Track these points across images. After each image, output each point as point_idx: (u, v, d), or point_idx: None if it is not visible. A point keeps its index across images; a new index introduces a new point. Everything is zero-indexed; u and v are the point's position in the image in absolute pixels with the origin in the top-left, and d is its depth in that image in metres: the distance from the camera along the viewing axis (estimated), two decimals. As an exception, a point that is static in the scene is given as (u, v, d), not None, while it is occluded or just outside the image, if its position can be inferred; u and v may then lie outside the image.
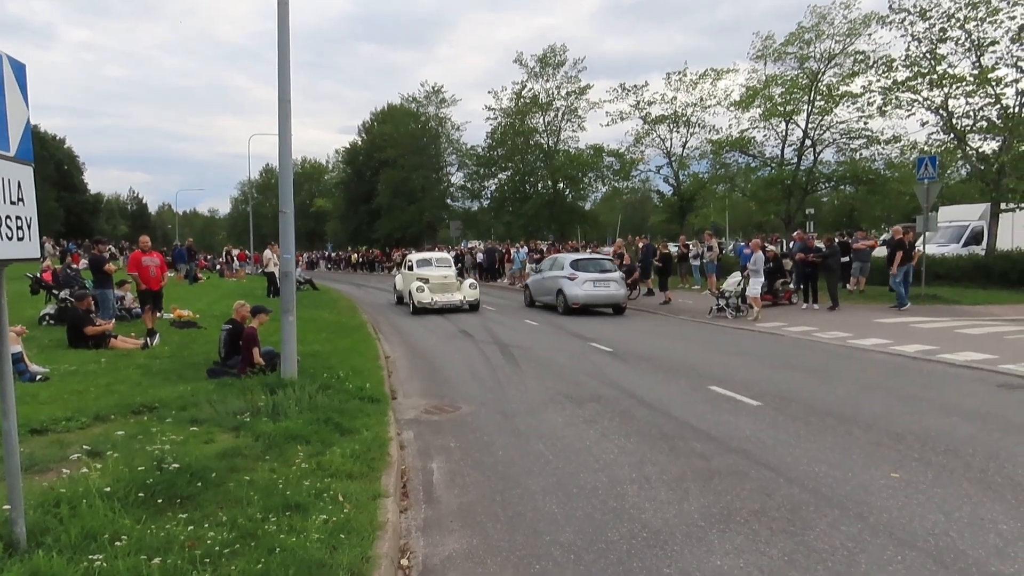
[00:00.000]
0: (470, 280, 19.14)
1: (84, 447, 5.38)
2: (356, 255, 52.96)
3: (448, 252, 31.43)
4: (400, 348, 12.50)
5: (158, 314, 12.87)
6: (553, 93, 41.15)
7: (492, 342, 12.82)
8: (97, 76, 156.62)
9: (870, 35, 25.40)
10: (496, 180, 45.78)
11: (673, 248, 24.59)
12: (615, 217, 65.58)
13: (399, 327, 15.99)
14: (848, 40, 25.99)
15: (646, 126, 34.84)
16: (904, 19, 20.67)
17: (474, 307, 18.04)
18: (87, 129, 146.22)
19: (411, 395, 8.41)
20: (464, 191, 49.13)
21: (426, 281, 18.38)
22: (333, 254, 61.17)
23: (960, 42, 19.97)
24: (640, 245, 22.53)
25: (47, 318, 13.48)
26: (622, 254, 22.22)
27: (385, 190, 52.41)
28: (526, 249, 31.27)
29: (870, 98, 23.84)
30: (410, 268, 19.56)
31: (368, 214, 56.78)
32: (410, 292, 18.12)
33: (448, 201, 52.57)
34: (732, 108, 30.30)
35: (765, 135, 29.38)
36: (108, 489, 4.31)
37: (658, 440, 6.21)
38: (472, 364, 10.53)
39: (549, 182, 43.50)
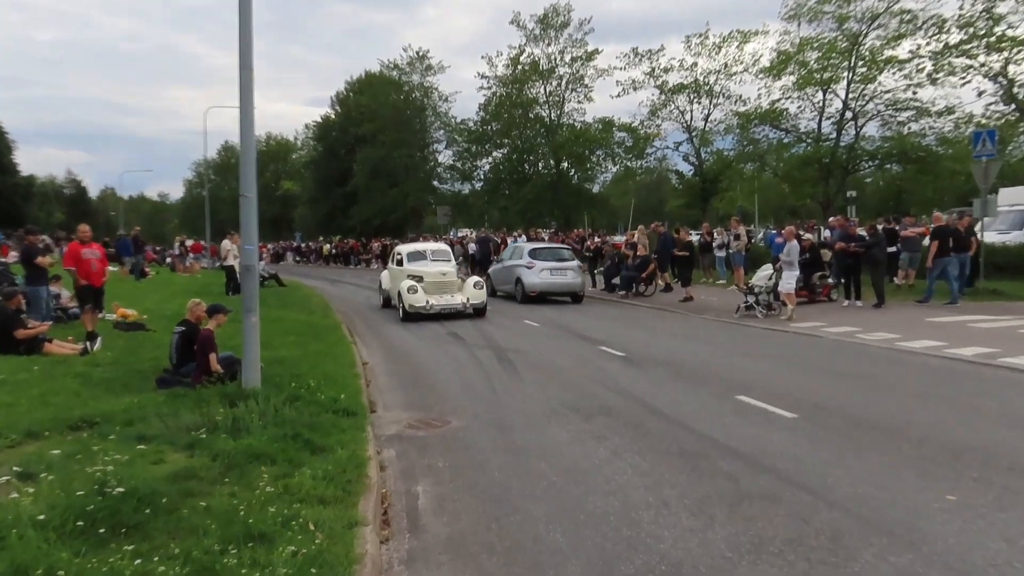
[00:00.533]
0: (475, 278, 17.97)
1: (14, 469, 5.37)
2: (329, 246, 52.96)
3: (437, 240, 31.39)
4: (380, 353, 12.55)
5: (99, 314, 12.84)
6: (555, 59, 41.21)
7: (486, 346, 12.91)
8: (27, 40, 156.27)
9: (919, -9, 25.48)
10: (490, 159, 45.85)
11: (695, 237, 24.59)
12: (627, 201, 65.72)
13: (378, 329, 16.01)
14: (893, -3, 26.05)
15: (663, 97, 34.91)
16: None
17: (480, 312, 16.86)
18: (16, 101, 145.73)
19: (393, 407, 8.47)
20: (454, 172, 49.16)
21: (419, 279, 17.13)
22: (302, 245, 61.24)
23: (1022, -1, 20.02)
24: (657, 233, 22.53)
25: (-29, 319, 13.43)
26: (635, 244, 22.25)
27: (362, 171, 52.48)
28: (525, 238, 31.24)
29: (919, 64, 23.93)
30: (399, 263, 18.39)
31: (343, 198, 56.89)
32: (399, 293, 16.82)
33: (435, 183, 52.60)
34: (761, 76, 30.40)
35: (799, 107, 29.49)
36: (42, 517, 4.29)
37: (678, 458, 6.24)
38: (463, 371, 10.59)
39: (551, 161, 43.55)
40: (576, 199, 42.91)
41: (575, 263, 20.66)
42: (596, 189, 46.62)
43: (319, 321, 15.61)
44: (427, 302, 16.39)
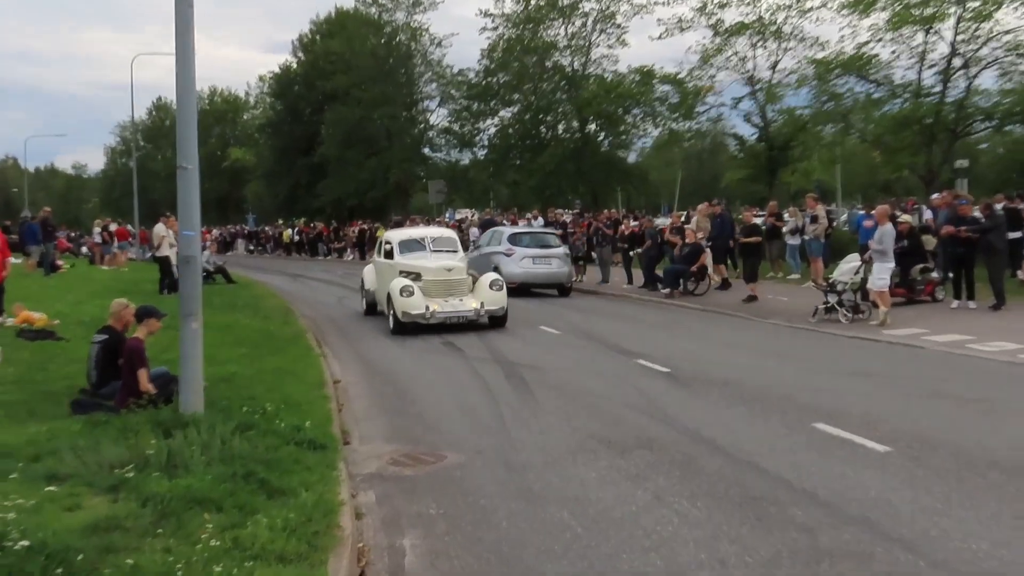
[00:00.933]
0: (491, 275, 17.39)
1: None
2: (291, 232, 53.20)
3: (430, 225, 31.39)
4: (356, 369, 12.57)
5: (-1, 320, 12.90)
6: (580, -11, 41.19)
7: (492, 359, 12.94)
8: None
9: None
10: (496, 120, 45.93)
11: (759, 220, 24.53)
12: (672, 174, 65.69)
13: (354, 338, 16.04)
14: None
15: (717, 40, 34.77)
16: None
17: (499, 321, 16.50)
18: None
19: (372, 438, 8.50)
20: (449, 137, 49.31)
21: (416, 277, 16.37)
22: (257, 230, 61.51)
23: None
24: (713, 214, 22.46)
25: None
26: (681, 228, 22.19)
27: (333, 136, 52.66)
28: (541, 221, 31.29)
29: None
30: (388, 254, 17.86)
31: (308, 171, 57.14)
32: (389, 296, 16.19)
33: (426, 152, 52.76)
34: (845, 12, 30.21)
35: (894, 52, 29.32)
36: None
37: (739, 505, 6.23)
38: (462, 392, 10.60)
39: (574, 123, 43.60)
40: (606, 171, 42.92)
41: (561, 250, 23.10)
42: (632, 159, 46.65)
43: (278, 329, 15.68)
44: (427, 308, 15.66)
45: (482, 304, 16.17)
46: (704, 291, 21.08)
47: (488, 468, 7.37)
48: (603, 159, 42.82)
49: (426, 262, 16.92)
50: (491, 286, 16.59)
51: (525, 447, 7.98)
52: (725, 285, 21.80)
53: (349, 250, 44.78)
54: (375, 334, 16.27)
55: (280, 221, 60.05)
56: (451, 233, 20.11)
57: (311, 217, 56.86)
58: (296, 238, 51.93)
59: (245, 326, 15.58)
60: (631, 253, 25.06)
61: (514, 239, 22.88)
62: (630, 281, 24.20)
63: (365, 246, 41.34)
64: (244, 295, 22.74)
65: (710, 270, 21.67)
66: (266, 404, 8.54)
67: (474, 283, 16.92)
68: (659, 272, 22.36)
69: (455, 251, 17.86)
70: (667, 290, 21.18)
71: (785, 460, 7.26)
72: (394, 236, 18.70)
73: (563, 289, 22.38)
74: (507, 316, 16.55)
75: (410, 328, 15.64)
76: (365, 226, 43.70)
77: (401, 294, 15.81)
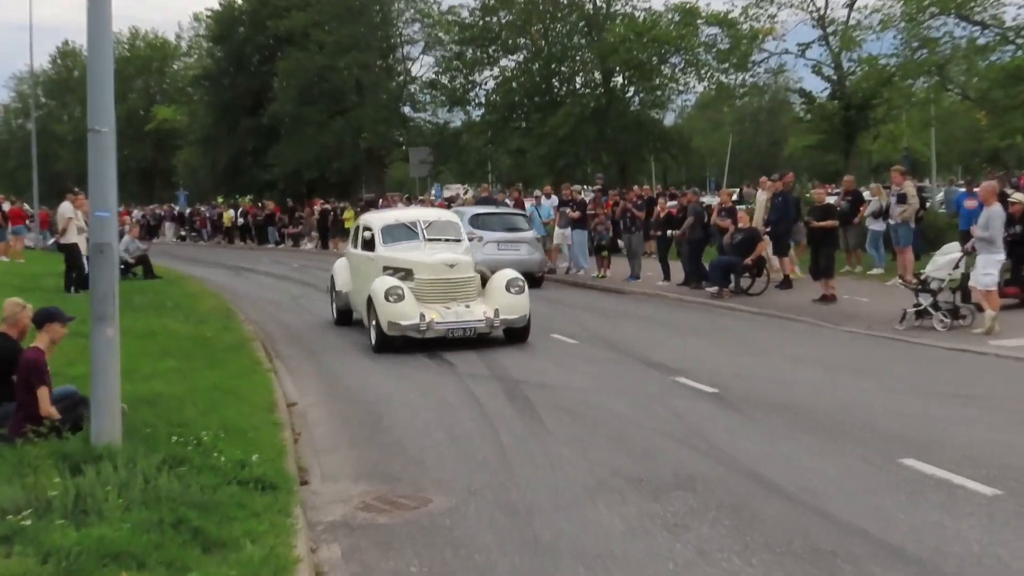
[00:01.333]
0: (508, 273, 16.46)
1: None
2: (233, 213, 53.20)
3: (411, 205, 31.39)
4: (316, 387, 12.56)
5: None
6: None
7: (490, 375, 12.90)
8: None
9: None
10: (496, 72, 45.81)
11: (832, 200, 24.48)
12: (721, 140, 65.52)
13: (314, 347, 16.02)
14: None
15: (779, -32, 34.70)
16: None
17: (519, 335, 15.98)
18: None
19: (338, 476, 8.49)
20: (436, 93, 49.17)
21: (408, 275, 15.81)
22: (189, 211, 61.43)
23: None
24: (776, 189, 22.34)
25: None
26: (733, 208, 22.12)
27: (287, 91, 52.63)
28: (555, 200, 31.11)
29: None
30: (368, 245, 17.46)
31: (256, 135, 57.06)
32: (370, 301, 15.63)
33: (406, 111, 52.70)
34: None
35: (1004, -16, 29.17)
36: None
37: (806, 561, 6.19)
38: (453, 417, 10.56)
39: (596, 75, 43.49)
40: (637, 137, 42.81)
41: (531, 234, 25.83)
42: (670, 121, 46.55)
43: (216, 336, 15.60)
44: (422, 318, 14.99)
45: (496, 312, 15.40)
46: (761, 290, 21.00)
47: (484, 513, 7.32)
48: (632, 121, 42.69)
49: (420, 255, 16.33)
50: (508, 287, 15.83)
51: (531, 486, 7.95)
52: (786, 283, 21.74)
53: (308, 237, 44.78)
54: (341, 344, 16.25)
55: (219, 199, 60.08)
56: (451, 216, 19.45)
57: (259, 194, 56.90)
58: (240, 221, 51.95)
59: (174, 332, 15.50)
60: (668, 235, 24.49)
61: (477, 221, 24.70)
62: (667, 277, 24.05)
63: (329, 232, 41.36)
64: (173, 293, 22.74)
65: (774, 263, 21.59)
66: (201, 432, 8.48)
67: (484, 283, 16.28)
68: (705, 265, 22.30)
69: (458, 240, 17.29)
70: (714, 288, 21.09)
71: (864, 505, 7.21)
72: (375, 220, 18.23)
73: (533, 279, 22.55)
74: (530, 327, 15.97)
75: (399, 344, 15.13)
76: (328, 206, 43.67)
77: (387, 298, 15.15)
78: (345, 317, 18.33)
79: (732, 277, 21.08)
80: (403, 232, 17.29)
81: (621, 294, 23.38)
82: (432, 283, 15.70)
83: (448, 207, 35.45)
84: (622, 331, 16.69)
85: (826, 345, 15.22)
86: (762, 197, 23.90)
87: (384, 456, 9.14)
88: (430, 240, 16.99)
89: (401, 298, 15.14)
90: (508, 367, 13.42)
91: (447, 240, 17.12)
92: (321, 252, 40.53)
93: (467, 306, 15.52)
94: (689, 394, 11.42)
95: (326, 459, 9.05)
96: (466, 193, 44.27)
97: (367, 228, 17.97)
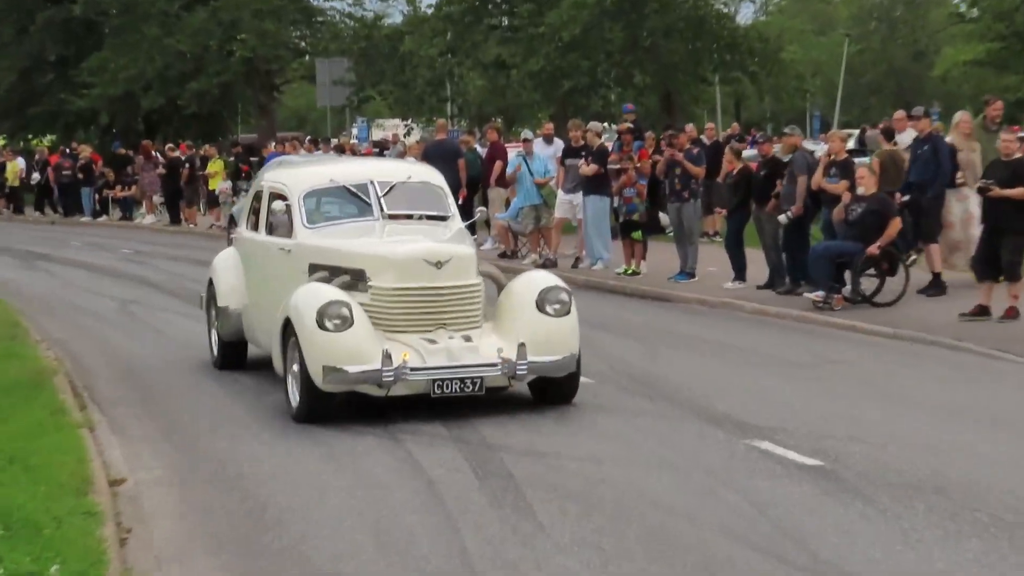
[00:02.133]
0: (543, 278, 12.30)
1: None
2: (21, 163, 42.48)
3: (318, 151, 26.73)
4: (160, 453, 10.21)
5: None
6: None
7: (451, 437, 10.14)
8: None
9: None
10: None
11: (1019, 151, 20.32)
12: (831, 49, 57.91)
13: (156, 385, 12.98)
14: None
15: None
16: None
17: (560, 391, 11.45)
18: None
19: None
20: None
21: (356, 280, 11.32)
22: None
23: None
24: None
25: None
26: (848, 163, 17.19)
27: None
28: (557, 146, 24.11)
29: None
30: (274, 226, 12.71)
31: (62, 38, 46.80)
32: (288, 327, 11.15)
33: (313, 0, 43.70)
34: None
35: None
36: None
37: None
38: (383, 503, 8.40)
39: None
40: (691, 42, 34.31)
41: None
42: (746, 17, 40.50)
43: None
44: (387, 357, 10.53)
45: (521, 348, 10.70)
46: (896, 297, 16.49)
47: None
48: (684, 17, 34.94)
49: (379, 244, 11.76)
50: (542, 304, 11.26)
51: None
52: (937, 286, 17.14)
53: (146, 203, 36.12)
54: (212, 382, 12.98)
55: (2, 143, 48.91)
56: (429, 173, 13.98)
57: (66, 134, 46.89)
58: (35, 178, 41.58)
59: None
60: (749, 206, 18.92)
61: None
62: (740, 275, 18.98)
63: (181, 195, 33.67)
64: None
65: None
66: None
67: (499, 293, 11.90)
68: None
69: (444, 215, 12.55)
70: (819, 293, 16.55)
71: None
72: (291, 181, 12.84)
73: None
74: (579, 377, 11.48)
75: (328, 401, 10.85)
76: (180, 153, 35.49)
77: (320, 323, 10.61)
78: (233, 353, 13.54)
79: (848, 276, 16.73)
80: (343, 202, 12.65)
81: (664, 302, 18.87)
82: (401, 295, 11.11)
83: (380, 156, 28.35)
84: (666, 364, 13.56)
85: (1009, 390, 12.11)
86: (904, 137, 19.06)
87: (273, 567, 7.05)
88: (392, 217, 12.15)
89: (347, 322, 10.65)
90: (478, 423, 10.39)
91: (424, 217, 12.39)
92: (168, 229, 34.14)
93: (467, 337, 11.06)
94: (777, 470, 9.11)
95: (173, 573, 7.11)
96: (407, 134, 36.60)
97: (277, 195, 12.72)
